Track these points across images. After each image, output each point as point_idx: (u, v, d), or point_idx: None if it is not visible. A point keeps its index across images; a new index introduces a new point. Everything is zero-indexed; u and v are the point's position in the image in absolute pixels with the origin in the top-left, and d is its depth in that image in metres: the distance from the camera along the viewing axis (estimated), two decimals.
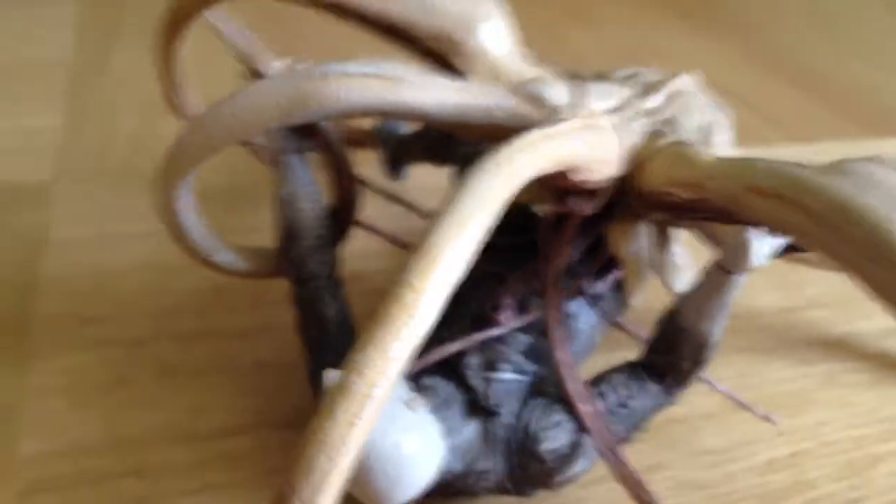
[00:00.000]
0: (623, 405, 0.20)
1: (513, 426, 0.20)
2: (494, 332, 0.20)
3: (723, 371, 0.27)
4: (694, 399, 0.26)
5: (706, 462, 0.24)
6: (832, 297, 0.32)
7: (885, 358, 0.29)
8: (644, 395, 0.20)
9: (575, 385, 0.20)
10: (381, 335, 0.13)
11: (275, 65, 0.23)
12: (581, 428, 0.20)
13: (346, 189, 0.23)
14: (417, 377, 0.20)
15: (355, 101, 0.18)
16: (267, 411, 0.24)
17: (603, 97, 0.20)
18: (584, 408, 0.20)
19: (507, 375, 0.20)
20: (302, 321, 0.22)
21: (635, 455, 0.23)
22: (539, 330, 0.21)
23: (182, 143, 0.19)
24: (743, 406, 0.22)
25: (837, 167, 0.15)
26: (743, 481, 0.23)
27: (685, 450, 0.24)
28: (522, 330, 0.21)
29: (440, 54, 0.21)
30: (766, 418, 0.22)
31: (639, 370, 0.21)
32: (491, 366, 0.20)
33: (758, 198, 0.15)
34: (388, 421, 0.17)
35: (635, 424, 0.21)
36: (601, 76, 0.23)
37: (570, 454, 0.20)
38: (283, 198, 0.22)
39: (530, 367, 0.20)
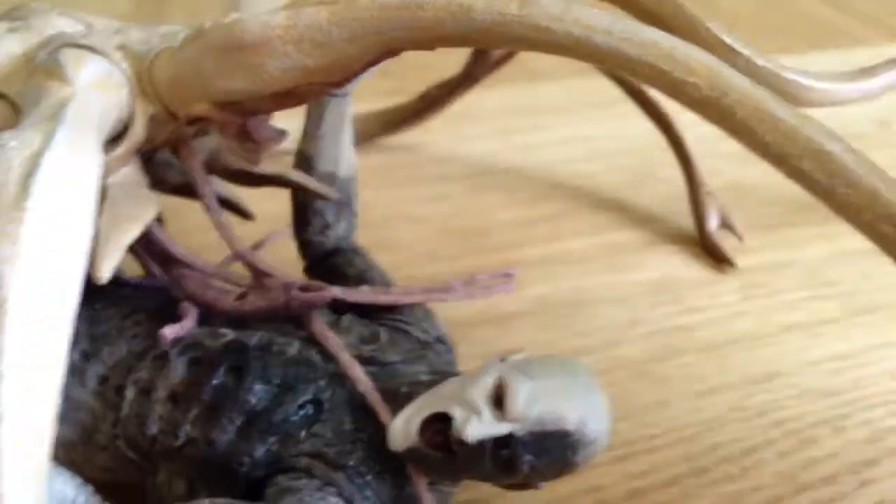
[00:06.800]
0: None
1: None
2: None
3: (845, 272, 0.25)
4: (811, 304, 0.24)
5: (829, 368, 0.22)
6: None
7: None
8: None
9: None
10: None
11: None
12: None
13: None
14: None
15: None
16: None
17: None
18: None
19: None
20: None
21: (753, 362, 0.22)
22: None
23: None
24: None
25: None
26: (873, 387, 0.21)
27: (804, 357, 0.22)
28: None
29: None
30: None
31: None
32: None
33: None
34: None
35: None
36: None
37: None
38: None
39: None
